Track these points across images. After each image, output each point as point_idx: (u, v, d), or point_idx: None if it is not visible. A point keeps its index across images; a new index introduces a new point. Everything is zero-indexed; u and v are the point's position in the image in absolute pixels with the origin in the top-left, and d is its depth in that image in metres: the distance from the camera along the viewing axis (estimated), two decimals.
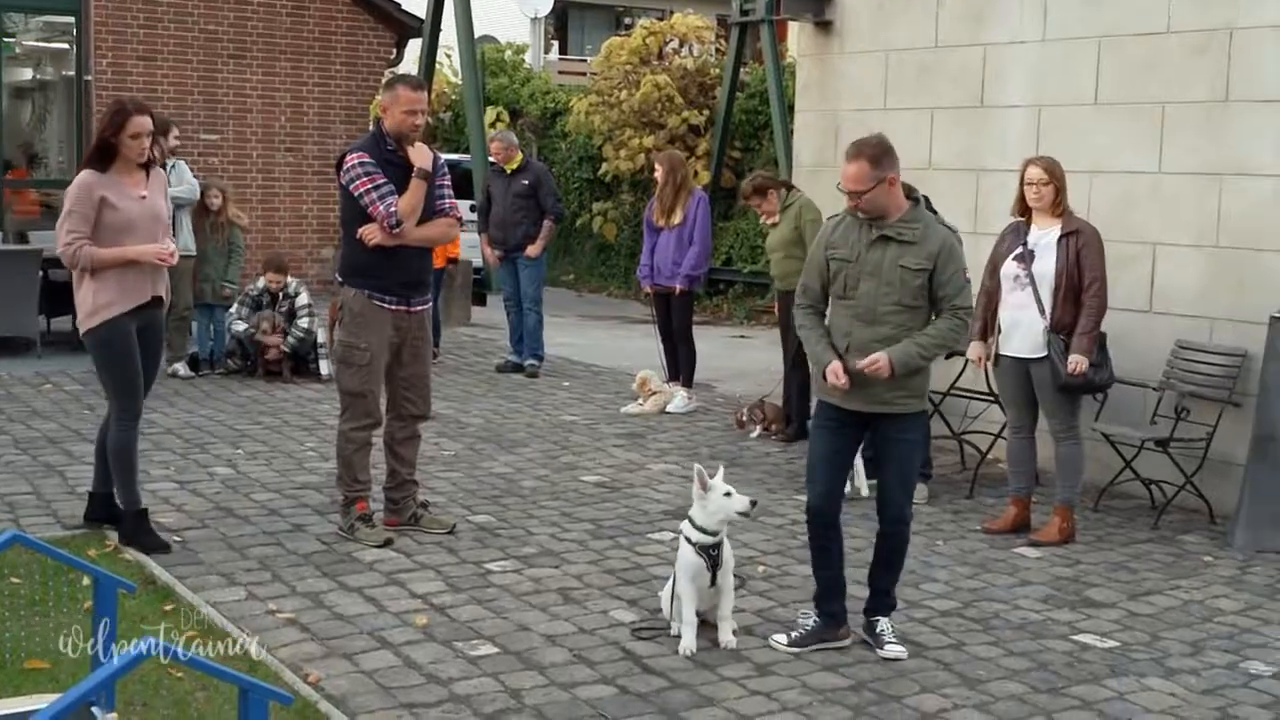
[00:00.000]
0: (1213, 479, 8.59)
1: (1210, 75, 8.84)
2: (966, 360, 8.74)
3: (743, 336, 16.84)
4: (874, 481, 6.82)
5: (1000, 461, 9.02)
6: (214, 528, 7.61)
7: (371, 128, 7.57)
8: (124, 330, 7.05)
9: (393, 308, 7.43)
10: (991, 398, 9.28)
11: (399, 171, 7.34)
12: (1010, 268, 8.04)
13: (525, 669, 5.70)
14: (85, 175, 7.00)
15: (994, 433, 9.39)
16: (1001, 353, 8.14)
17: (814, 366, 6.11)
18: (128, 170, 7.06)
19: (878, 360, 5.83)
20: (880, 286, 5.90)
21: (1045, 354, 7.90)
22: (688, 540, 6.07)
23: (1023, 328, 7.98)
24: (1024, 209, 8.10)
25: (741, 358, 12.09)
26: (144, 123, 7.01)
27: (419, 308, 7.57)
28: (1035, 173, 7.98)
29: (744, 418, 10.81)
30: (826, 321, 6.10)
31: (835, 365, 5.91)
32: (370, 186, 7.25)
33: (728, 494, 6.10)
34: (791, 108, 13.15)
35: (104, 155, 7.01)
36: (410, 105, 7.33)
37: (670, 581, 6.17)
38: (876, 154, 5.87)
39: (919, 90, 10.72)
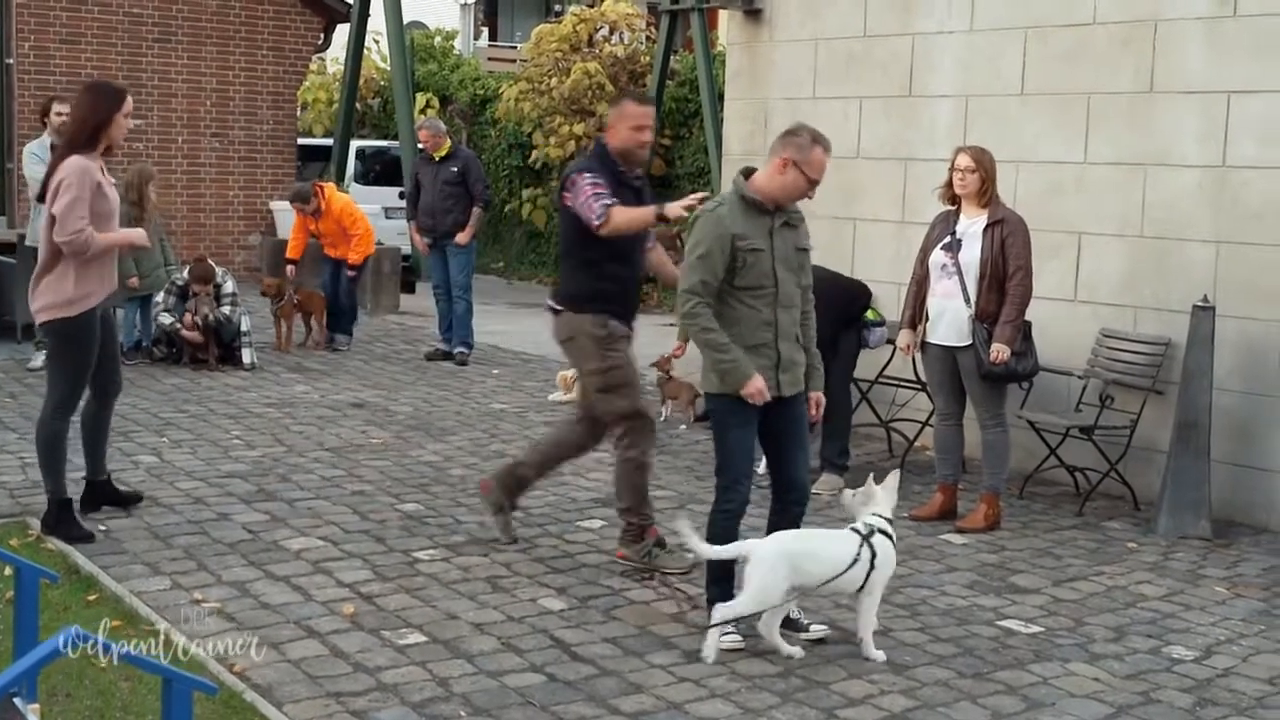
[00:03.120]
0: (1136, 466, 8.71)
1: (1135, 66, 8.95)
2: (895, 348, 8.79)
3: (671, 324, 16.67)
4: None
5: (928, 449, 9.10)
6: (139, 517, 7.53)
7: (593, 146, 7.04)
8: (95, 321, 7.03)
9: (626, 331, 6.96)
10: (919, 385, 9.35)
11: (632, 196, 6.79)
12: (938, 256, 8.11)
13: (453, 657, 5.69)
14: (82, 159, 6.89)
15: (921, 420, 9.47)
16: (929, 340, 8.20)
17: (730, 377, 5.86)
18: (98, 155, 7.02)
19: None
20: (789, 271, 5.98)
21: (970, 342, 7.97)
22: (889, 538, 5.93)
23: (949, 316, 8.05)
24: (953, 197, 8.17)
25: (670, 345, 12.04)
26: (131, 102, 7.07)
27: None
28: (963, 160, 8.05)
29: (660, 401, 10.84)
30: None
31: (760, 384, 5.85)
32: (593, 194, 6.64)
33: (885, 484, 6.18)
34: (721, 96, 13.16)
35: (94, 137, 6.95)
36: (638, 121, 6.78)
37: (771, 599, 5.78)
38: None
39: (848, 79, 10.77)
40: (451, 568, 6.87)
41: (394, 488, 8.43)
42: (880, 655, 5.85)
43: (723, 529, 6.02)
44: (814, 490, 7.93)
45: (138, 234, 7.35)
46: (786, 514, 6.15)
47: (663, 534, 6.96)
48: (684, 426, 10.54)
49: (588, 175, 6.68)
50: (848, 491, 6.23)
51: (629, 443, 6.89)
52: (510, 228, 23.79)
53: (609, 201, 6.60)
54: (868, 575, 5.80)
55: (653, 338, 14.25)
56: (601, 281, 6.81)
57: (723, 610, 5.78)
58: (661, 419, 10.67)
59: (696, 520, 7.44)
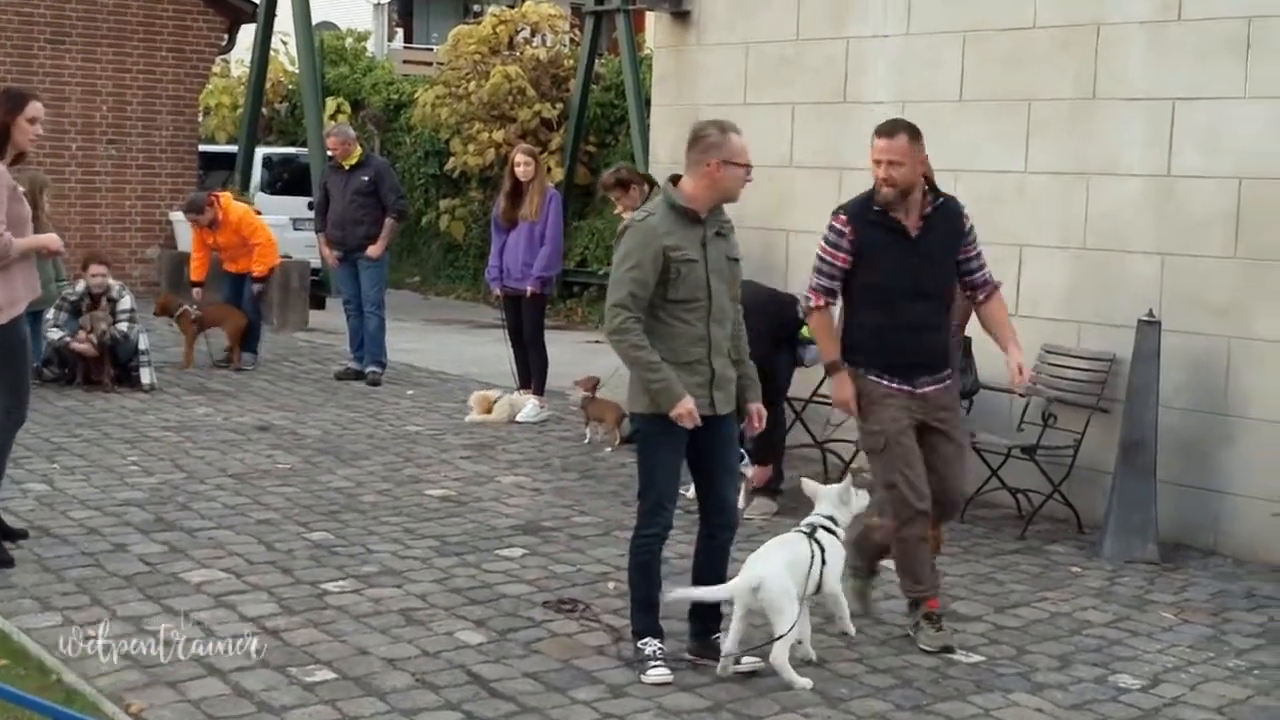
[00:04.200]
0: (1081, 487, 8.79)
1: (1077, 72, 9.05)
2: None
3: (598, 342, 16.63)
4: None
5: (864, 471, 9.12)
6: (28, 549, 7.41)
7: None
8: (24, 327, 7.19)
9: (894, 387, 6.55)
10: None
11: (886, 236, 6.51)
12: None
13: (365, 695, 5.65)
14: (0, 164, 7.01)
15: (856, 441, 9.48)
16: None
17: (661, 398, 5.83)
18: (6, 162, 7.11)
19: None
20: (722, 283, 6.00)
21: None
22: (838, 538, 6.22)
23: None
24: None
25: (596, 364, 12.07)
26: (39, 107, 7.14)
27: (926, 389, 6.59)
28: None
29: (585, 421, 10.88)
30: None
31: (691, 406, 5.84)
32: (819, 262, 6.55)
33: (858, 494, 6.47)
34: (648, 101, 13.20)
35: (3, 143, 7.05)
36: (885, 154, 6.48)
37: (798, 610, 5.91)
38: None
39: (780, 84, 10.82)
40: (363, 600, 6.83)
41: (302, 515, 8.36)
42: (851, 629, 6.30)
43: (645, 555, 6.03)
44: (745, 515, 8.01)
45: (52, 238, 7.49)
46: (714, 540, 6.17)
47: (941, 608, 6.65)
48: (609, 449, 10.53)
49: (834, 216, 6.65)
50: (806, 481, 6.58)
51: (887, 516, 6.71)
52: (426, 240, 23.70)
53: (826, 289, 6.66)
54: (821, 573, 6.04)
55: (577, 356, 14.27)
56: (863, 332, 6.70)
57: (781, 650, 5.84)
58: (586, 441, 10.71)
59: (619, 546, 7.43)
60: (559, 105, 21.18)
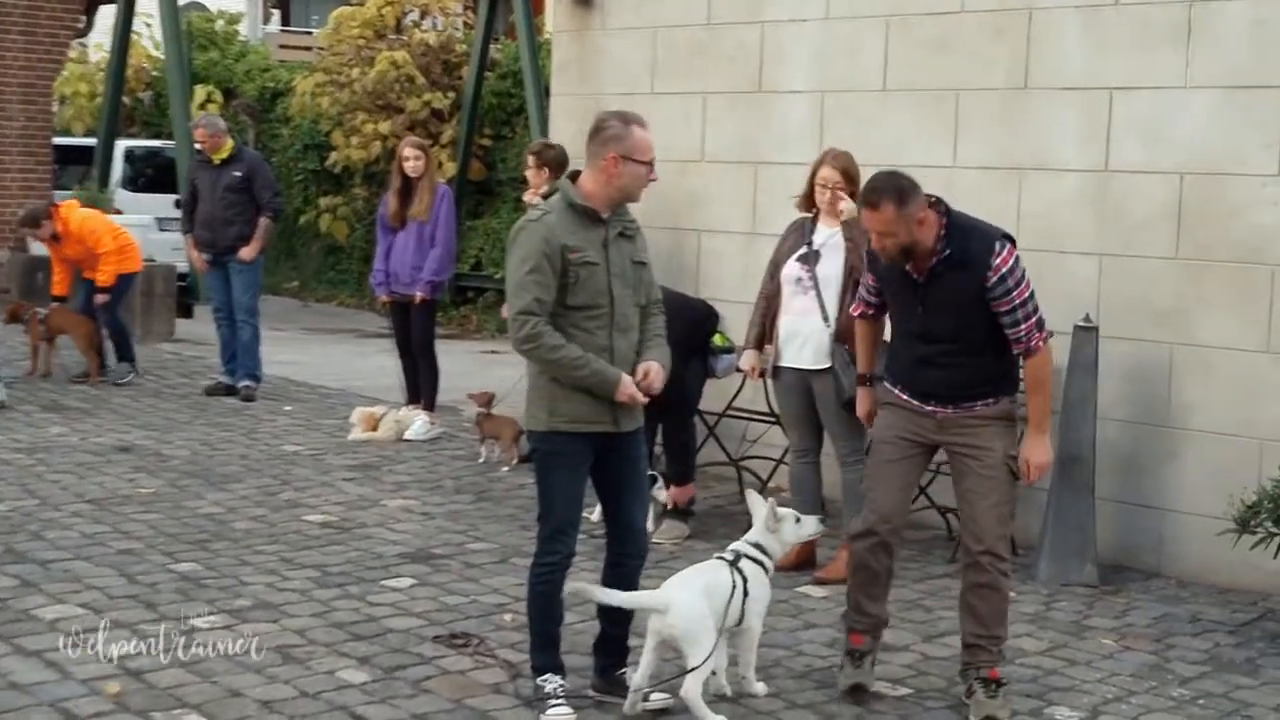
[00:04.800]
0: (1016, 507, 8.83)
1: (1008, 60, 9.14)
2: (745, 375, 8.88)
3: (494, 352, 16.74)
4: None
5: (783, 490, 9.17)
6: None
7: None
8: None
9: (903, 398, 6.49)
10: (772, 418, 9.43)
11: (899, 277, 6.40)
12: (792, 269, 8.20)
13: None
14: None
15: (775, 458, 9.57)
16: (780, 364, 8.28)
17: (601, 389, 5.84)
18: None
19: None
20: (626, 288, 6.00)
21: (829, 365, 8.05)
22: (764, 568, 6.26)
23: (803, 336, 8.14)
24: (810, 203, 8.29)
25: (492, 376, 12.06)
26: None
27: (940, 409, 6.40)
28: (829, 175, 8.17)
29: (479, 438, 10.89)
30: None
31: (633, 387, 5.88)
32: (1030, 294, 6.29)
33: (798, 520, 6.47)
34: (548, 90, 13.20)
35: None
36: (872, 226, 6.25)
37: (715, 640, 5.91)
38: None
39: (690, 72, 10.85)
40: (235, 637, 6.77)
41: (167, 545, 8.29)
42: (763, 688, 6.25)
43: (545, 585, 6.01)
44: (654, 540, 8.01)
45: None
46: (622, 567, 6.16)
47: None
48: (506, 469, 10.53)
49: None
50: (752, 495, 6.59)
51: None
52: (305, 241, 23.57)
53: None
54: (743, 606, 6.04)
55: (471, 368, 14.24)
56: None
57: (694, 684, 5.79)
58: (481, 460, 10.71)
59: (518, 575, 7.43)
60: (451, 95, 21.13)
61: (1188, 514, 8.42)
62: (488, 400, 10.78)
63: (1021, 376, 6.48)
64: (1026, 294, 6.20)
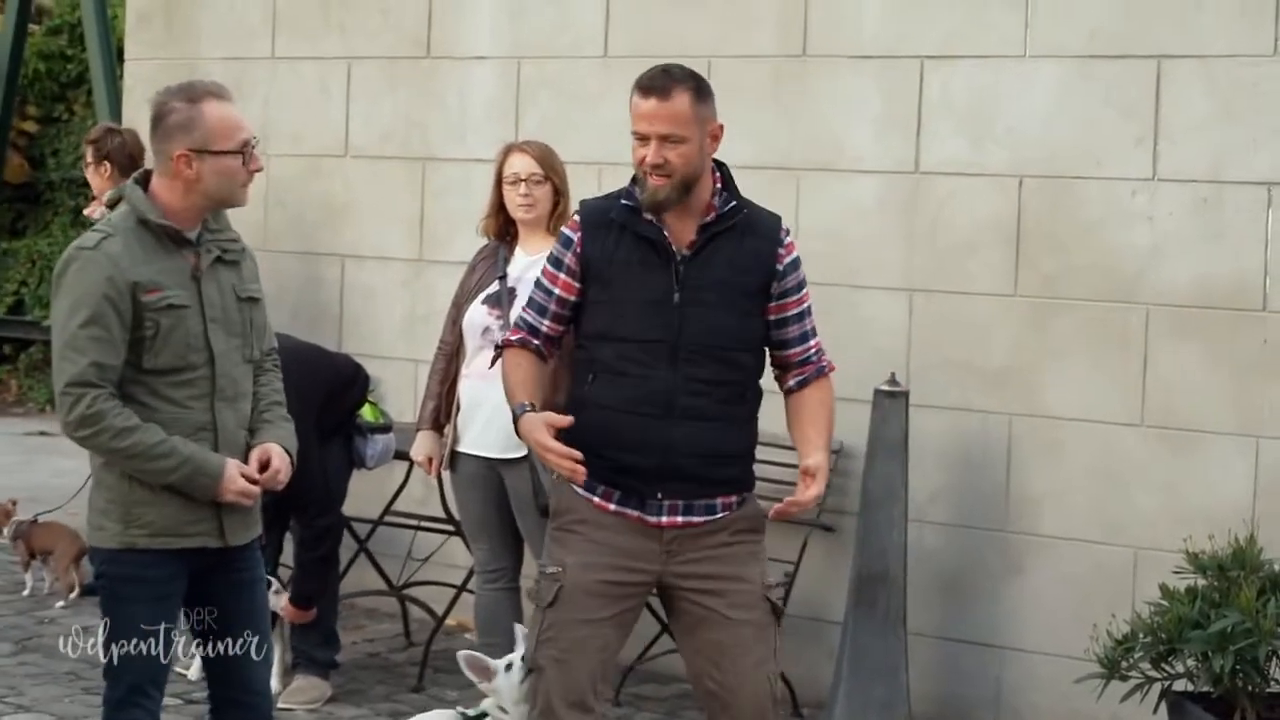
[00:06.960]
0: (796, 644, 8.68)
1: (780, 17, 9.14)
2: (410, 465, 8.82)
3: (44, 433, 16.62)
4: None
5: (468, 629, 8.98)
6: None
7: None
8: None
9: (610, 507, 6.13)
10: (451, 526, 9.33)
11: (635, 251, 6.18)
12: (478, 315, 8.07)
13: None
14: None
15: (457, 584, 9.34)
16: (460, 449, 8.14)
17: (194, 483, 5.70)
18: None
19: None
20: (231, 339, 5.86)
21: (524, 453, 7.77)
22: None
23: (489, 408, 7.86)
24: (503, 223, 8.16)
25: (43, 468, 11.65)
26: None
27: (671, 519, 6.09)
28: (522, 163, 8.05)
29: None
30: None
31: (238, 479, 5.76)
32: (533, 287, 6.35)
33: (509, 666, 6.29)
34: (122, 52, 12.90)
35: None
36: (652, 122, 5.99)
37: None
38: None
39: (327, 29, 10.75)
40: None
41: None
42: None
43: None
44: (281, 703, 7.75)
45: None
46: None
47: None
48: (61, 604, 10.27)
49: None
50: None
51: None
52: None
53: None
54: None
55: (12, 457, 13.78)
56: None
57: None
58: (26, 592, 10.53)
59: None
60: None
61: (1035, 653, 8.47)
62: (12, 506, 10.60)
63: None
64: (809, 300, 6.22)
